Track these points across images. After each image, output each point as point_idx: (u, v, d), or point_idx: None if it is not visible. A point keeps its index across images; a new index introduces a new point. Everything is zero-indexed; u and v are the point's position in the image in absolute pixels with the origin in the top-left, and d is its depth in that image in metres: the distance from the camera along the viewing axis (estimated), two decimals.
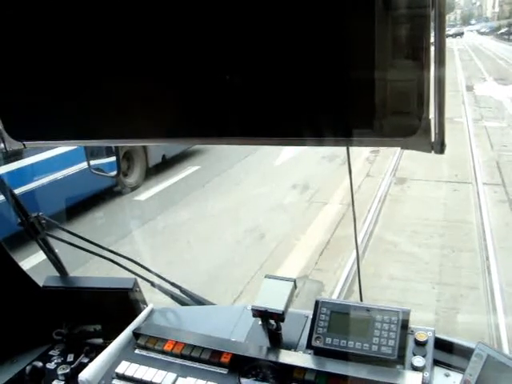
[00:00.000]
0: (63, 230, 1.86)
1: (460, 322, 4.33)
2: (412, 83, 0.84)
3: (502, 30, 53.34)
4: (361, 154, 9.62)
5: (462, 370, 1.40)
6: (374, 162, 9.33)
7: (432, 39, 0.83)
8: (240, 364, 1.54)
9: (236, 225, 6.59)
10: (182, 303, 1.97)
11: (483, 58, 30.97)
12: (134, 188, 8.29)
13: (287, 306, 1.51)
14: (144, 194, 8.28)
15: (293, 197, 7.83)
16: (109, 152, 1.89)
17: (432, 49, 0.83)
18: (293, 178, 8.63)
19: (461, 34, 66.13)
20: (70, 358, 1.78)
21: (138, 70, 1.06)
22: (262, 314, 1.53)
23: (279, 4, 0.91)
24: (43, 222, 1.77)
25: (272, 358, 1.52)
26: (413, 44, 0.83)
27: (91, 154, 1.90)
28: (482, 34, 70.53)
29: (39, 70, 1.13)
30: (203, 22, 0.96)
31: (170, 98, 1.06)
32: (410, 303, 4.56)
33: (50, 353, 1.83)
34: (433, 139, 0.85)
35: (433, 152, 0.86)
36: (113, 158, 1.89)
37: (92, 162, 1.89)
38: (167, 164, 9.48)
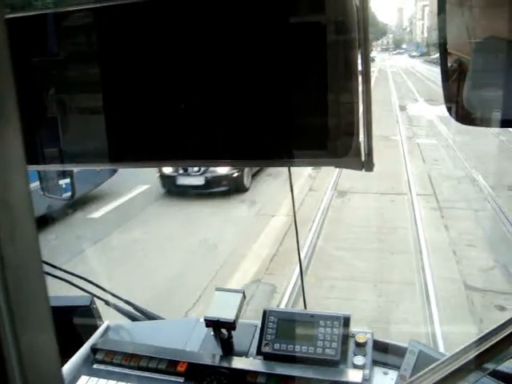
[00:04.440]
0: None
1: (399, 313, 4.87)
2: (344, 108, 0.91)
3: (433, 56, 56.93)
4: (303, 170, 10.25)
5: (398, 367, 1.51)
6: (315, 178, 9.69)
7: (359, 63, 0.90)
8: (196, 372, 1.60)
9: None
10: (136, 319, 2.00)
11: (414, 79, 32.89)
12: None
13: (238, 316, 1.59)
14: None
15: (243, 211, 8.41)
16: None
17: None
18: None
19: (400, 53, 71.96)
20: None
21: (96, 94, 1.07)
22: (215, 324, 1.60)
23: (230, 40, 0.96)
24: None
25: (225, 364, 1.59)
26: (344, 68, 0.88)
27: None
28: (413, 57, 74.76)
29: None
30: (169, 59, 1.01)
31: (126, 122, 1.07)
32: (354, 299, 5.15)
33: None
34: (363, 159, 0.91)
35: (363, 170, 0.92)
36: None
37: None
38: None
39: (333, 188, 9.00)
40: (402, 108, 18.99)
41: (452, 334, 4.27)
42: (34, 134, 1.13)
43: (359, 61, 0.88)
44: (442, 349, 3.98)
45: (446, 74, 0.92)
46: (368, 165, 0.91)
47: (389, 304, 5.06)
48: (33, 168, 1.31)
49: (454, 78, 0.92)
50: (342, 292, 5.30)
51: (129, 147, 1.10)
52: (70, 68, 1.10)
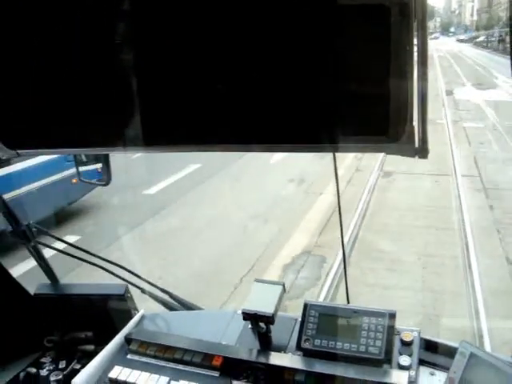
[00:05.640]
0: (54, 237, 1.84)
1: (442, 283, 5.06)
2: (397, 92, 0.86)
3: (481, 38, 55.14)
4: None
5: (446, 368, 1.42)
6: (362, 159, 9.71)
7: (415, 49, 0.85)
8: (231, 367, 1.54)
9: None
10: (172, 309, 1.95)
11: (462, 64, 32.02)
12: None
13: (277, 309, 1.52)
14: None
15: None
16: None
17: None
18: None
19: (436, 38, 71.27)
20: (62, 364, 1.75)
21: (131, 79, 1.05)
22: (252, 317, 1.53)
23: (274, 23, 0.92)
24: (34, 229, 1.74)
25: (262, 360, 1.53)
26: (396, 55, 0.85)
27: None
28: (461, 41, 72.59)
29: (32, 78, 1.12)
30: (203, 37, 0.97)
31: (163, 106, 1.05)
32: (399, 270, 5.44)
33: (42, 360, 1.78)
34: (416, 145, 0.87)
35: (417, 157, 0.89)
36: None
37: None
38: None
39: (379, 169, 9.14)
40: (449, 92, 18.56)
41: (494, 308, 4.44)
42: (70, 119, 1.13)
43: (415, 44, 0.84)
44: (483, 320, 4.24)
45: None
46: (422, 152, 0.89)
47: (432, 275, 5.23)
48: (66, 152, 1.37)
49: None
50: (387, 263, 5.50)
51: (163, 131, 1.07)
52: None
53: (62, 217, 6.82)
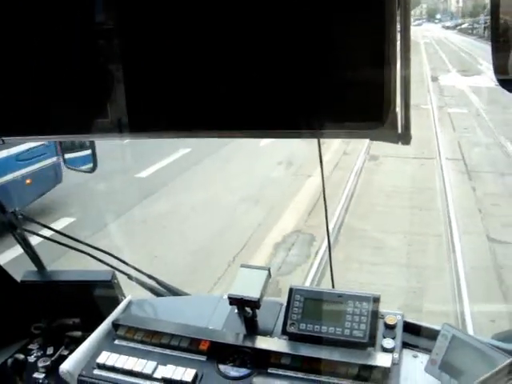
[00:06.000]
0: (40, 224, 1.83)
1: (426, 258, 5.36)
2: (380, 78, 0.85)
3: (465, 25, 55.46)
4: None
5: (429, 351, 1.44)
6: (349, 143, 9.81)
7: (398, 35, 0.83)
8: (218, 351, 1.54)
9: None
10: (159, 294, 1.94)
11: (447, 50, 32.07)
12: None
13: (262, 294, 1.52)
14: None
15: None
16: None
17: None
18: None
19: (419, 25, 72.31)
20: (50, 350, 1.74)
21: (116, 65, 1.02)
22: (238, 302, 1.54)
23: (270, 13, 0.91)
24: (20, 217, 1.73)
25: (249, 344, 1.54)
26: (380, 40, 0.83)
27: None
28: (447, 28, 72.88)
29: (16, 65, 1.09)
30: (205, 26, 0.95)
31: (148, 92, 1.03)
32: (385, 247, 5.64)
33: (29, 346, 1.78)
34: (399, 131, 0.87)
35: (399, 143, 0.89)
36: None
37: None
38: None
39: (365, 152, 9.31)
40: (434, 79, 18.68)
41: (475, 281, 4.74)
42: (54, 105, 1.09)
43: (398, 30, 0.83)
44: (465, 293, 4.51)
45: (496, 45, 0.84)
46: (405, 137, 0.88)
47: (416, 252, 5.49)
48: (52, 139, 1.36)
49: (505, 49, 0.83)
50: (373, 242, 5.73)
51: (148, 117, 1.05)
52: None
53: (56, 202, 6.93)
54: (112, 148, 7.36)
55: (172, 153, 9.64)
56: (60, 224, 6.10)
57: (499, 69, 0.83)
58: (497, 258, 5.30)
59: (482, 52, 26.06)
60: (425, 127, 10.89)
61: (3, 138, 1.20)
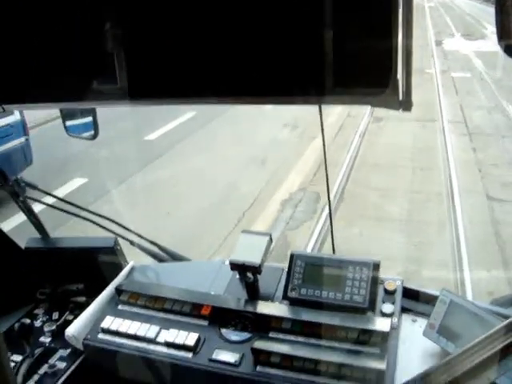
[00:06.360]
0: (42, 192, 1.82)
1: (427, 215, 5.58)
2: (382, 44, 0.83)
3: None
4: None
5: (427, 315, 1.45)
6: (353, 106, 10.26)
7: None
8: (220, 316, 1.56)
9: None
10: (161, 260, 1.95)
11: (452, 14, 31.46)
12: None
13: (263, 260, 1.53)
14: None
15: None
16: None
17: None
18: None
19: None
20: (55, 315, 1.76)
21: (115, 29, 1.01)
22: (240, 268, 1.54)
23: None
24: (22, 184, 1.73)
25: (250, 309, 1.55)
26: (382, 5, 0.81)
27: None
28: None
29: (14, 31, 1.07)
30: None
31: (147, 58, 1.01)
32: (386, 204, 5.82)
33: (35, 312, 1.80)
34: (400, 98, 0.85)
35: (400, 110, 0.87)
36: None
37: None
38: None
39: (369, 115, 9.37)
40: (438, 43, 18.47)
41: (472, 234, 4.97)
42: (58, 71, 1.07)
43: None
44: (463, 245, 4.75)
45: (500, 8, 0.79)
46: (406, 104, 0.86)
47: (418, 208, 5.71)
48: (52, 107, 1.25)
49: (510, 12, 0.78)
50: (376, 199, 5.93)
51: (148, 84, 1.03)
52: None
53: (69, 163, 7.05)
54: (121, 112, 7.55)
55: (178, 116, 9.68)
56: (74, 184, 6.34)
57: (503, 33, 0.79)
58: (494, 214, 5.51)
59: (487, 16, 25.73)
60: (428, 91, 10.94)
61: (3, 106, 1.18)
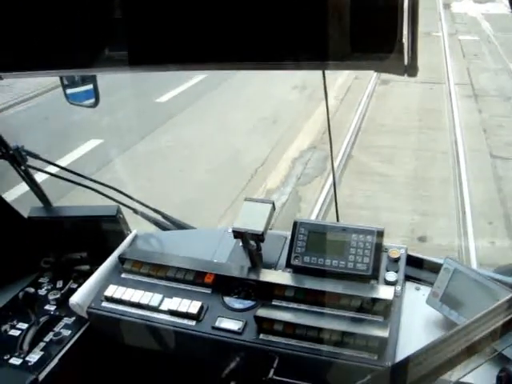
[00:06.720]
0: (45, 161, 1.78)
1: (433, 171, 5.76)
2: (386, 7, 0.79)
3: None
4: None
5: (431, 283, 1.44)
6: None
7: None
8: (223, 283, 1.54)
9: None
10: (164, 228, 1.94)
11: None
12: None
13: (266, 227, 1.52)
14: None
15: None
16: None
17: None
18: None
19: None
20: (59, 284, 1.76)
21: None
22: (243, 236, 1.52)
23: None
24: (24, 153, 1.70)
25: (253, 276, 1.53)
26: None
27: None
28: None
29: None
30: None
31: (147, 24, 0.99)
32: (396, 162, 6.04)
33: (40, 280, 1.80)
34: (406, 63, 0.82)
35: (405, 75, 0.84)
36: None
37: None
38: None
39: (377, 77, 9.29)
40: (446, 6, 18.27)
41: (475, 188, 5.21)
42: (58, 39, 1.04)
43: None
44: (466, 197, 5.02)
45: None
46: (411, 69, 0.82)
47: (424, 165, 5.90)
48: (51, 74, 1.22)
49: None
50: (385, 156, 6.11)
51: (149, 49, 1.00)
52: None
53: (84, 125, 7.14)
54: (131, 75, 7.68)
55: (189, 79, 9.71)
56: (90, 144, 6.49)
57: None
58: (497, 171, 5.68)
59: None
60: (435, 53, 10.88)
61: (1, 74, 1.15)
